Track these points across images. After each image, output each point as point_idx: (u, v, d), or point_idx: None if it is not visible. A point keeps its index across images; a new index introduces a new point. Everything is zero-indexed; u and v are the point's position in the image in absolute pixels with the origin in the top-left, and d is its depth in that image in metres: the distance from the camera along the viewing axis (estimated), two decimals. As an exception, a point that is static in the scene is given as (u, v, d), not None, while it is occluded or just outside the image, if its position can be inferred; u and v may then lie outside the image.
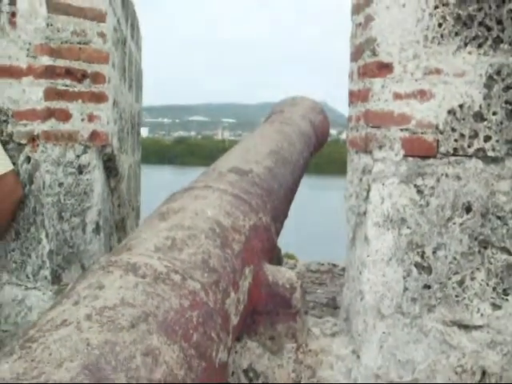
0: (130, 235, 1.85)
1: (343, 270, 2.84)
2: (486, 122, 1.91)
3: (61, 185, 2.36)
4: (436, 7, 1.91)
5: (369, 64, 2.00)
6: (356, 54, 2.16)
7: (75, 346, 1.16)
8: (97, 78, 2.43)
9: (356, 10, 2.14)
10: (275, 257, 2.38)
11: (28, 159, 2.32)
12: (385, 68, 1.95)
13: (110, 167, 2.71)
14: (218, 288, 1.66)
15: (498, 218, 1.93)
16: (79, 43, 2.35)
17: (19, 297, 2.38)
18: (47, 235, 2.32)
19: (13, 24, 2.27)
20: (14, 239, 2.36)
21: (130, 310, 1.33)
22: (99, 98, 2.46)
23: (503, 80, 1.90)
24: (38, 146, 2.29)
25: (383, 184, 1.96)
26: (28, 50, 2.27)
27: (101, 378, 1.11)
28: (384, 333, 2.02)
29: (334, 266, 3.30)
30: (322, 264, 3.35)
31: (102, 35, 2.43)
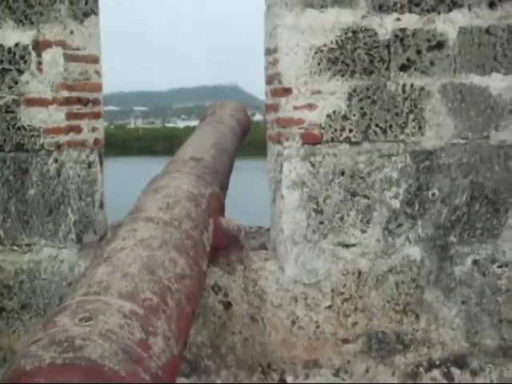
0: (135, 203, 3.09)
1: (267, 230, 4.15)
2: (349, 121, 3.31)
3: (79, 176, 3.61)
4: (316, 53, 3.29)
5: (277, 88, 3.37)
6: (269, 81, 3.51)
7: (134, 257, 2.30)
8: (95, 102, 3.70)
9: (267, 53, 3.50)
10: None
11: (56, 160, 3.54)
12: (287, 91, 3.32)
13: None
14: (198, 229, 2.91)
15: (361, 177, 3.34)
16: (84, 79, 3.60)
17: (54, 254, 3.60)
18: (72, 210, 3.56)
19: (40, 70, 3.49)
20: (48, 215, 3.59)
21: (156, 240, 2.54)
22: (97, 115, 3.73)
23: (358, 95, 3.30)
24: (62, 151, 3.52)
25: (290, 162, 3.33)
26: (52, 87, 3.49)
27: (153, 271, 2.28)
28: (297, 253, 3.39)
29: (260, 227, 4.52)
30: (251, 227, 4.57)
31: (96, 72, 3.70)
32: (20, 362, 1.62)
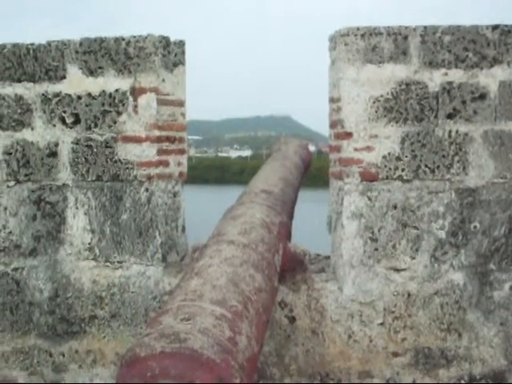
0: (217, 227, 3.65)
1: (325, 257, 4.70)
2: (401, 162, 3.91)
3: (166, 204, 4.27)
4: (374, 102, 3.90)
5: (340, 132, 3.98)
6: (332, 125, 4.13)
7: (220, 272, 2.83)
8: (181, 140, 4.37)
9: (331, 101, 4.13)
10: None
11: (146, 190, 4.19)
12: (348, 135, 3.93)
13: (179, 192, 4.58)
14: (271, 252, 3.42)
15: (411, 211, 3.92)
16: (171, 120, 4.27)
17: (142, 271, 4.25)
18: (159, 233, 4.21)
19: (136, 112, 4.17)
20: (138, 237, 4.22)
21: (237, 259, 3.06)
22: (182, 151, 4.40)
23: (410, 139, 3.91)
24: (153, 182, 4.18)
25: (350, 196, 3.94)
26: (145, 127, 4.16)
27: (236, 284, 2.83)
28: (354, 276, 3.96)
29: (318, 255, 5.04)
30: (310, 254, 5.08)
31: (182, 114, 4.37)
32: (135, 350, 2.09)
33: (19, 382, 4.44)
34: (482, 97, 3.90)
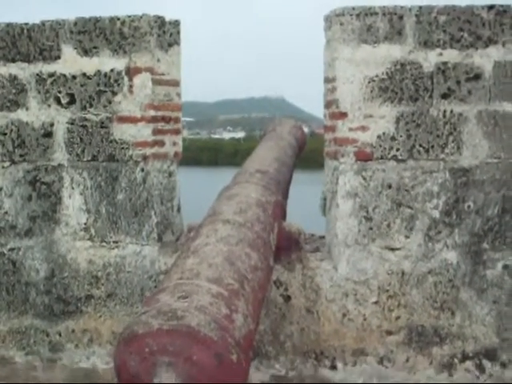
0: (212, 207, 3.69)
1: (319, 237, 4.74)
2: (396, 141, 3.94)
3: (161, 183, 4.30)
4: (369, 82, 3.92)
5: (335, 112, 4.01)
6: (327, 105, 4.16)
7: (217, 251, 2.87)
8: (176, 120, 4.39)
9: (327, 81, 4.15)
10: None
11: (142, 170, 4.22)
12: (343, 114, 3.96)
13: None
14: (266, 231, 3.48)
15: (405, 190, 3.96)
16: (167, 100, 4.29)
17: (137, 250, 4.28)
18: (155, 213, 4.24)
19: (131, 92, 4.18)
20: (133, 217, 4.24)
21: (233, 238, 3.09)
22: (177, 131, 4.41)
23: (404, 119, 3.94)
24: (148, 162, 4.20)
25: (345, 175, 3.98)
26: (140, 106, 4.18)
27: (232, 263, 2.86)
28: (349, 255, 4.01)
29: (313, 235, 5.09)
30: (305, 233, 5.13)
31: (177, 94, 4.39)
32: (133, 327, 2.14)
33: (16, 361, 4.49)
34: (477, 77, 3.92)
